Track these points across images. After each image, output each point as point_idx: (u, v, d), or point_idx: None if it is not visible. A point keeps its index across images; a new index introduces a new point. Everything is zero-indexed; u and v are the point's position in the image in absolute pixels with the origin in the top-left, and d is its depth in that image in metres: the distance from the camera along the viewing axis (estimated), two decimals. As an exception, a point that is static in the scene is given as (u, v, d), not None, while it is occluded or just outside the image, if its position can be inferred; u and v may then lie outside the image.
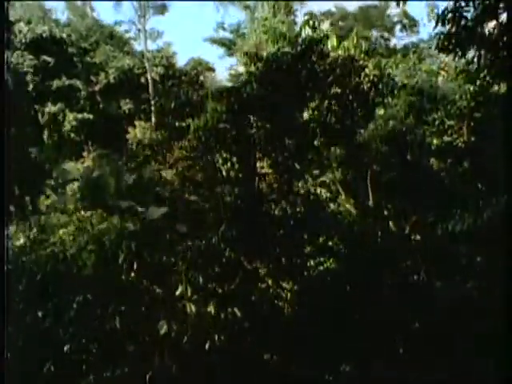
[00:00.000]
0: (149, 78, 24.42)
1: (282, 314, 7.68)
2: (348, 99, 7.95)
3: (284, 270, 7.94)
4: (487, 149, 9.03)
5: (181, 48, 33.62)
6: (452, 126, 10.75)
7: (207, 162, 7.90)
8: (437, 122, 10.66)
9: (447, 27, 7.14)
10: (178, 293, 5.97)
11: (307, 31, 8.55)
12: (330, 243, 8.11)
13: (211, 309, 6.06)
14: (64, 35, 22.93)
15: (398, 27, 26.69)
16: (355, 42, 8.28)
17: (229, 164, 7.71)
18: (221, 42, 28.09)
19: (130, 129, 22.53)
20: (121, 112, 23.82)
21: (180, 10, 45.78)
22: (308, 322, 6.94)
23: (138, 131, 22.05)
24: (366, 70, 8.21)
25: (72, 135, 21.74)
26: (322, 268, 7.91)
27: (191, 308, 5.82)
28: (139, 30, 24.90)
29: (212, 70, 32.30)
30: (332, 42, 8.31)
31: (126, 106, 24.20)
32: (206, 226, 8.51)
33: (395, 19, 25.99)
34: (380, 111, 9.19)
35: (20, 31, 21.60)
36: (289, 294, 7.92)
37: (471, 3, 6.86)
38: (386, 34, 23.81)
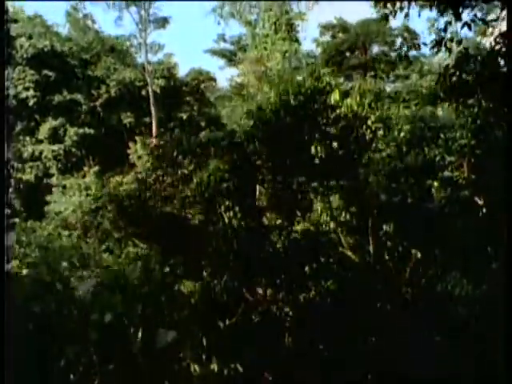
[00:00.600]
0: (150, 91, 24.47)
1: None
2: (349, 147, 8.03)
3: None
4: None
5: (182, 59, 33.68)
6: (452, 162, 10.82)
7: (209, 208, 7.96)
8: (437, 158, 10.73)
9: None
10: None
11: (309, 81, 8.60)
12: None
13: (214, 366, 6.15)
14: (65, 49, 22.97)
15: (399, 40, 26.76)
16: (358, 99, 8.34)
17: (231, 213, 7.78)
18: (221, 54, 28.13)
19: (130, 144, 22.61)
20: (122, 126, 23.86)
21: (181, 22, 45.96)
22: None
23: (139, 147, 22.12)
24: (369, 122, 8.29)
25: (73, 150, 21.79)
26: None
27: (195, 368, 5.91)
28: (140, 44, 24.93)
29: (213, 79, 32.42)
30: (335, 96, 8.38)
31: (127, 119, 24.24)
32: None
33: (396, 32, 26.05)
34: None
35: (21, 46, 21.63)
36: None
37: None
38: (386, 49, 23.88)
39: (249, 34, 21.47)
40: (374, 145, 8.34)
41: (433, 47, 8.94)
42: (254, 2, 21.59)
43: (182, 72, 29.95)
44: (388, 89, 25.25)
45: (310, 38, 27.40)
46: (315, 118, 8.11)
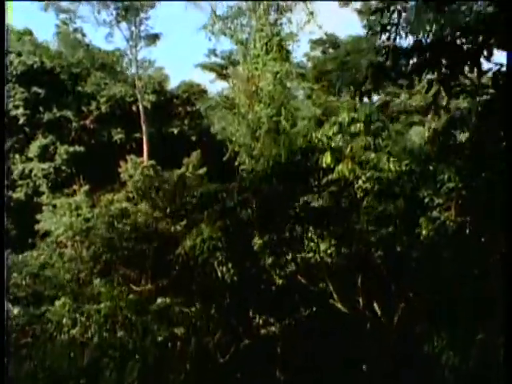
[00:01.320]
0: (140, 107, 24.43)
1: None
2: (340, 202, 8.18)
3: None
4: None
5: (173, 73, 33.79)
6: (441, 204, 11.05)
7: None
8: (426, 200, 10.96)
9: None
10: None
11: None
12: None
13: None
14: (55, 65, 22.82)
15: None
16: (350, 166, 8.51)
17: (224, 268, 7.88)
18: (212, 68, 28.16)
19: (121, 163, 22.56)
20: (112, 142, 23.81)
21: (172, 36, 46.21)
22: None
23: (130, 166, 22.10)
24: (360, 182, 8.46)
25: (63, 168, 21.70)
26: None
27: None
28: (131, 60, 24.83)
29: (204, 91, 32.40)
30: (326, 158, 8.54)
31: (118, 135, 24.19)
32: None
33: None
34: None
35: (11, 63, 21.46)
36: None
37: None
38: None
39: (240, 54, 21.50)
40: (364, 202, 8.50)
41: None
42: (245, 21, 21.69)
43: (172, 85, 30.09)
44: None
45: (301, 51, 27.50)
46: (307, 182, 8.26)
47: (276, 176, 8.78)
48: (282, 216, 8.13)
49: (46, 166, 21.64)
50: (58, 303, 10.09)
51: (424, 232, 9.02)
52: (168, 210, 9.99)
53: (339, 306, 8.30)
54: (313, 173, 8.50)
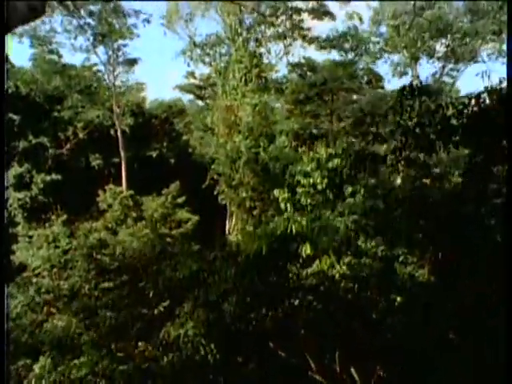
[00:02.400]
0: (118, 133, 24.26)
1: None
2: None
3: None
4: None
5: (151, 95, 34.04)
6: (414, 262, 11.43)
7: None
8: (401, 258, 11.32)
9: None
10: None
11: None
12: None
13: None
14: (31, 90, 22.46)
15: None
16: (328, 262, 8.77)
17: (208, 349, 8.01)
18: (191, 90, 28.18)
19: (100, 192, 22.38)
20: (90, 168, 23.60)
21: (150, 61, 46.68)
22: None
23: (108, 195, 21.95)
24: (338, 267, 8.72)
25: (40, 197, 21.41)
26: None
27: None
28: (108, 85, 24.59)
29: (184, 111, 32.29)
30: (306, 249, 8.79)
31: (96, 161, 23.98)
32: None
33: (362, 73, 26.78)
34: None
35: (-16, 91, 20.93)
36: None
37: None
38: (354, 97, 24.54)
39: (219, 83, 21.60)
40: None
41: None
42: (224, 50, 21.82)
43: (151, 105, 29.91)
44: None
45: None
46: (287, 275, 8.45)
47: (257, 270, 8.92)
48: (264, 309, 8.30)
49: (21, 195, 21.31)
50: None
51: (399, 299, 9.39)
52: (149, 291, 9.95)
53: (318, 377, 8.57)
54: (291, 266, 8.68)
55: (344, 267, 8.91)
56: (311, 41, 23.60)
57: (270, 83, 22.88)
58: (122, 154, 24.39)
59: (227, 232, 23.78)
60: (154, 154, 26.49)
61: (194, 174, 26.36)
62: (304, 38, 21.65)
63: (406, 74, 25.85)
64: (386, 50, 22.46)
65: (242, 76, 20.32)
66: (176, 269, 9.89)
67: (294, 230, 9.35)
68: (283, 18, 20.31)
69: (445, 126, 9.46)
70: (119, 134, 24.48)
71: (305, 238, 9.30)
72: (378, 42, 22.46)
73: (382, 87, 26.70)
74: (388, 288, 9.95)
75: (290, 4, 19.96)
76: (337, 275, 8.76)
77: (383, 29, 21.93)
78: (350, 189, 19.36)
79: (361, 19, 21.69)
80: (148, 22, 23.16)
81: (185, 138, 30.50)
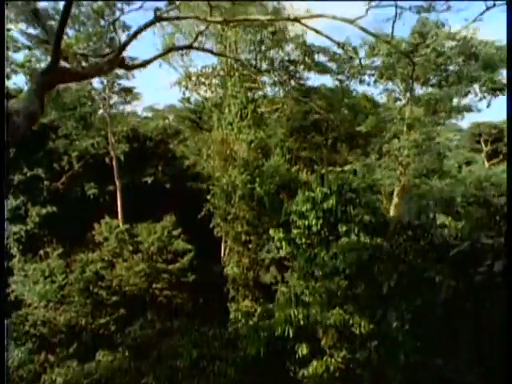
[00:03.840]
0: (114, 163, 24.27)
1: None
2: None
3: None
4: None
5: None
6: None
7: None
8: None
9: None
10: None
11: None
12: None
13: None
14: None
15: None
16: (324, 365, 8.91)
17: None
18: (186, 116, 28.19)
19: (95, 225, 22.46)
20: (86, 197, 23.62)
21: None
22: None
23: (104, 228, 22.04)
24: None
25: (36, 230, 21.44)
26: None
27: None
28: (103, 115, 24.53)
29: (179, 132, 32.19)
30: (302, 349, 8.94)
31: (91, 190, 24.00)
32: None
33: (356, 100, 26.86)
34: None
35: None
36: None
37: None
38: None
39: (214, 117, 21.63)
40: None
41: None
42: (219, 82, 21.75)
43: (146, 128, 29.83)
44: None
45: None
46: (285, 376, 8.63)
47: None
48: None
49: (17, 228, 21.32)
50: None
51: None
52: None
53: None
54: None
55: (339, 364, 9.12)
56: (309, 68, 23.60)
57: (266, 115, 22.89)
58: (118, 182, 24.42)
59: (223, 262, 23.92)
60: (150, 180, 26.51)
61: (190, 197, 26.45)
62: (301, 86, 21.70)
63: (399, 100, 26.09)
64: (380, 81, 22.60)
65: (237, 111, 20.37)
66: (177, 355, 10.01)
67: (291, 333, 9.51)
68: (279, 70, 20.33)
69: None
70: (114, 164, 24.49)
71: (301, 338, 9.49)
72: (373, 74, 22.57)
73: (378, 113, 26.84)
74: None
75: (285, 57, 20.04)
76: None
77: (378, 62, 22.05)
78: (344, 227, 19.62)
79: (356, 53, 21.77)
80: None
81: (180, 159, 30.52)
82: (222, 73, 21.67)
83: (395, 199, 23.52)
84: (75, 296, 20.05)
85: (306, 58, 19.87)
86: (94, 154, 24.01)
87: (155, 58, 11.74)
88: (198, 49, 13.57)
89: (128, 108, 27.00)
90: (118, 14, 14.55)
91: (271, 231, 19.59)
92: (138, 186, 26.02)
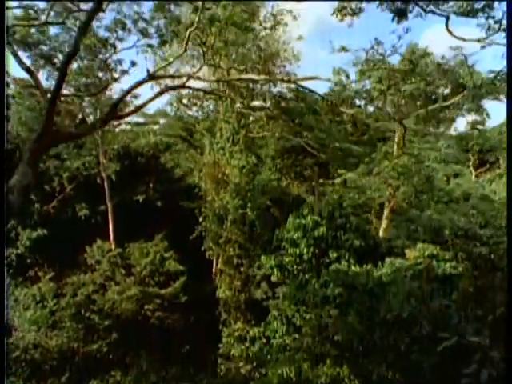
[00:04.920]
0: (105, 185, 24.21)
1: None
2: None
3: None
4: None
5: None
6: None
7: None
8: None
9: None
10: None
11: None
12: None
13: None
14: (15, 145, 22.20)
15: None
16: None
17: None
18: (178, 134, 28.21)
19: (87, 248, 22.41)
20: (77, 218, 23.54)
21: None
22: None
23: (96, 251, 22.01)
24: None
25: (26, 255, 21.34)
26: None
27: None
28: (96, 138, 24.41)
29: (170, 147, 32.15)
30: None
31: (82, 211, 23.91)
32: None
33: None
34: None
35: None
36: None
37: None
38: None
39: (206, 141, 21.70)
40: None
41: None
42: (212, 107, 21.88)
43: (137, 144, 29.75)
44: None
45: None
46: None
47: None
48: None
49: (7, 252, 21.17)
50: None
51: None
52: None
53: None
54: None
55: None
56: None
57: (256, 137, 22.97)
58: (109, 203, 24.37)
59: (214, 282, 24.03)
60: (141, 199, 26.45)
61: (182, 215, 26.46)
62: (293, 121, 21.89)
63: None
64: (371, 104, 22.88)
65: (229, 136, 20.48)
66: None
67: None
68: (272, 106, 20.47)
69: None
70: (105, 182, 24.43)
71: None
72: (365, 98, 22.83)
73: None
74: None
75: (275, 90, 20.25)
76: None
77: (369, 85, 22.30)
78: (335, 254, 19.88)
79: (348, 76, 22.01)
80: (133, 64, 22.86)
81: (171, 172, 30.53)
82: (213, 96, 21.77)
83: (384, 222, 23.84)
84: (67, 321, 20.02)
85: (299, 95, 20.09)
86: (85, 174, 23.91)
87: (149, 102, 11.85)
88: (190, 88, 13.64)
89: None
90: (111, 50, 14.62)
91: (263, 258, 19.78)
92: (130, 205, 25.96)
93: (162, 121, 37.38)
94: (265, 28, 17.94)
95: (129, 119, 33.52)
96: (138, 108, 11.76)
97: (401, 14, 10.27)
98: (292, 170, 24.67)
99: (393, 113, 23.02)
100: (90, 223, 24.41)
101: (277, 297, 20.97)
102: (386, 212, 23.95)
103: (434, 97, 20.23)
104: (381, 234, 24.02)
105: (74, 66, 17.24)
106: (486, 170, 47.31)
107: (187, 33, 10.39)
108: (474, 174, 47.03)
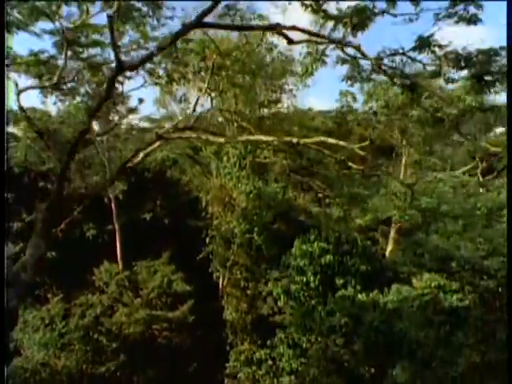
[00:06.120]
0: (112, 202, 24.34)
1: None
2: None
3: None
4: None
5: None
6: None
7: None
8: None
9: None
10: None
11: None
12: None
13: None
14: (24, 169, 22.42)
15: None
16: None
17: None
18: (184, 153, 28.25)
19: (95, 270, 22.62)
20: (85, 238, 23.72)
21: None
22: None
23: (104, 273, 22.19)
24: None
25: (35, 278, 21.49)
26: None
27: None
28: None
29: (177, 162, 32.23)
30: None
31: (90, 231, 24.08)
32: None
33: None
34: None
35: (-24, 172, 20.86)
36: None
37: None
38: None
39: (213, 165, 21.75)
40: None
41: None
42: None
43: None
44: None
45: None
46: None
47: None
48: None
49: (16, 275, 21.34)
50: None
51: None
52: None
53: None
54: None
55: None
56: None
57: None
58: (116, 223, 24.53)
59: (221, 301, 24.12)
60: (148, 217, 26.57)
61: (189, 233, 26.53)
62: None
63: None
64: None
65: (236, 161, 20.50)
66: None
67: None
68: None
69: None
70: (113, 201, 24.57)
71: None
72: (371, 119, 22.76)
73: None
74: None
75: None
76: None
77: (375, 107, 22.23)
78: (341, 280, 19.88)
79: (354, 98, 21.95)
80: (141, 101, 22.82)
81: (177, 186, 30.60)
82: (220, 119, 21.77)
83: (391, 242, 23.79)
84: (76, 343, 20.21)
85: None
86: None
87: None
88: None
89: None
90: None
91: (270, 284, 19.87)
92: (137, 223, 26.10)
93: (167, 125, 37.30)
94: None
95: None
96: (147, 154, 11.86)
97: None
98: (298, 182, 24.75)
99: (400, 137, 22.94)
100: (98, 243, 24.60)
101: (283, 312, 20.97)
102: (392, 232, 23.90)
103: (443, 119, 20.12)
104: (387, 254, 23.97)
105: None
106: (494, 177, 46.92)
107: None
108: (481, 179, 46.65)
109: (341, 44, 8.83)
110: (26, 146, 22.43)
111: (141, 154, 10.53)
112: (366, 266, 20.11)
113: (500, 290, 15.72)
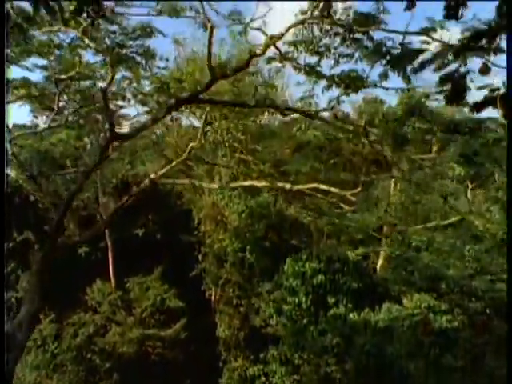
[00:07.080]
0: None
1: None
2: None
3: None
4: None
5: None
6: None
7: None
8: None
9: None
10: None
11: None
12: None
13: None
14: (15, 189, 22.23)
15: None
16: None
17: None
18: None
19: (88, 289, 22.52)
20: (77, 256, 23.59)
21: None
22: None
23: (97, 294, 22.11)
24: None
25: (27, 297, 21.33)
26: None
27: None
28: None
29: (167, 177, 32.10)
30: None
31: (82, 249, 23.96)
32: None
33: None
34: None
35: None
36: None
37: None
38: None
39: (204, 184, 21.72)
40: None
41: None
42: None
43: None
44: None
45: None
46: None
47: None
48: None
49: (7, 296, 21.23)
50: None
51: None
52: None
53: None
54: None
55: None
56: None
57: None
58: (109, 240, 24.43)
59: (214, 318, 24.16)
60: (140, 233, 26.50)
61: (181, 248, 26.52)
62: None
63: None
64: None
65: (228, 181, 20.53)
66: None
67: None
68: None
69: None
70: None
71: None
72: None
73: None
74: None
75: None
76: None
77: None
78: (332, 299, 20.04)
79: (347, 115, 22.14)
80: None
81: (170, 198, 30.55)
82: (211, 139, 21.80)
83: (382, 257, 24.00)
84: (68, 364, 20.14)
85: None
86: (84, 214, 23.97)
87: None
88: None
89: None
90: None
91: (262, 305, 19.96)
92: (129, 239, 26.02)
93: (158, 131, 37.17)
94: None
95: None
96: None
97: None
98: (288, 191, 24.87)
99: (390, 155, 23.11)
100: (91, 260, 24.48)
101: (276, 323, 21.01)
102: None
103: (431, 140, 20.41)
104: (378, 269, 24.19)
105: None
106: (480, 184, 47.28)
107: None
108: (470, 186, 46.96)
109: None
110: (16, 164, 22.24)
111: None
112: (358, 283, 20.28)
113: (488, 311, 15.98)
